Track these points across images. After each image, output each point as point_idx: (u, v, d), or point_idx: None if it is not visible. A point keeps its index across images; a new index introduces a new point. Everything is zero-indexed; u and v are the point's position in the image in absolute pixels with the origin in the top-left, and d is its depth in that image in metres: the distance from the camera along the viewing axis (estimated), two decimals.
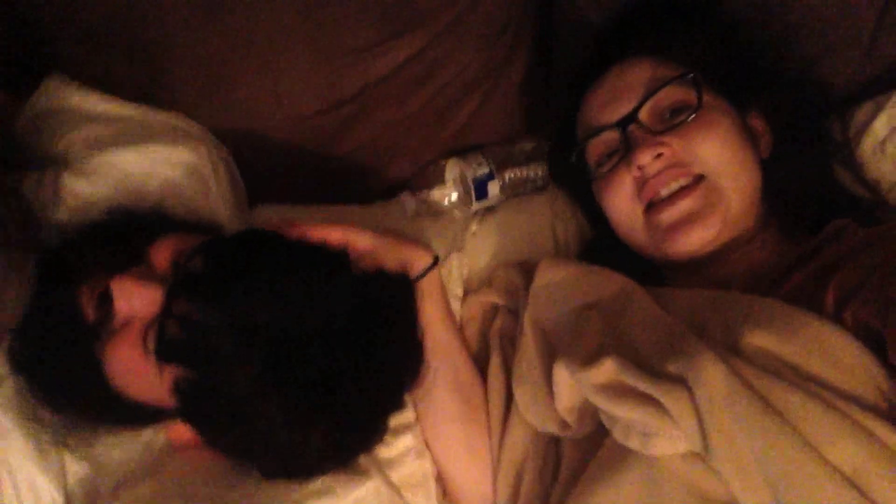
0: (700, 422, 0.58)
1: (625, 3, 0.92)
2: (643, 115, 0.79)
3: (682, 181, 0.77)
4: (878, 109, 0.84)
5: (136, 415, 0.73)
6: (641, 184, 0.79)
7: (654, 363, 0.64)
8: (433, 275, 0.84)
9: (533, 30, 1.02)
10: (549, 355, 0.76)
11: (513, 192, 1.05)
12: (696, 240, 0.76)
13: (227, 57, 0.85)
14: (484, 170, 1.01)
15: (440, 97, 0.98)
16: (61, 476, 0.72)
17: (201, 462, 0.74)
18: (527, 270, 0.89)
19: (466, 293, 0.95)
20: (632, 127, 0.79)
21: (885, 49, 0.85)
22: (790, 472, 0.54)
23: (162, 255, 0.71)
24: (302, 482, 0.70)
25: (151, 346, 0.65)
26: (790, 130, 0.84)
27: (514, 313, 0.89)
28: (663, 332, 0.68)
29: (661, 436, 0.61)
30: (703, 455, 0.59)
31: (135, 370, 0.68)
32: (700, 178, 0.77)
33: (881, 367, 0.60)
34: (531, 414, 0.77)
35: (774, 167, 0.82)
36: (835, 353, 0.61)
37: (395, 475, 0.80)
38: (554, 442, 0.79)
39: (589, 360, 0.67)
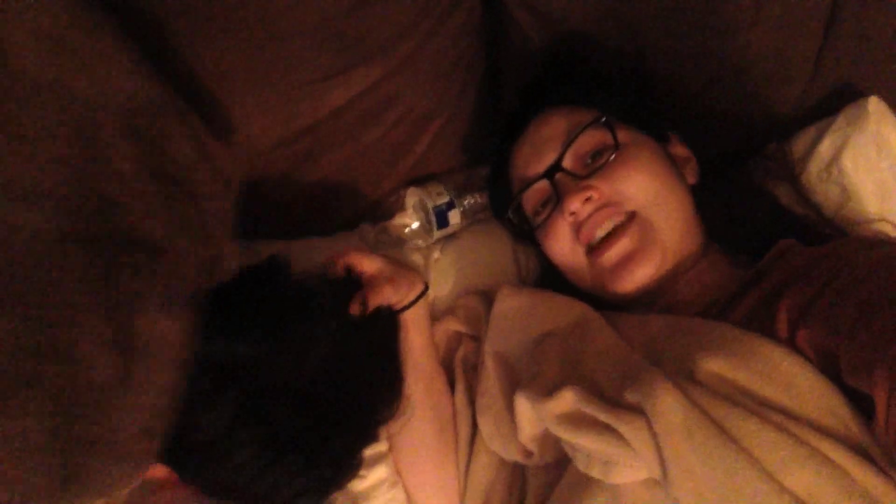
0: (658, 451, 0.59)
1: (566, 31, 0.94)
2: (567, 162, 0.82)
3: (616, 220, 0.79)
4: (822, 134, 0.86)
5: None
6: (577, 228, 0.80)
7: (613, 393, 0.65)
8: (421, 303, 0.85)
9: (485, 60, 1.04)
10: (511, 385, 0.76)
11: (473, 217, 1.06)
12: (639, 277, 0.78)
13: (175, 90, 0.84)
14: (444, 199, 1.01)
15: (397, 129, 0.98)
16: None
17: (178, 499, 0.73)
18: (489, 297, 0.90)
19: (431, 321, 0.95)
20: (558, 175, 0.82)
21: (827, 76, 0.88)
22: (747, 500, 0.55)
23: None
24: None
25: None
26: (712, 155, 0.87)
27: (478, 340, 0.90)
28: (621, 360, 0.69)
29: (621, 465, 0.62)
30: (662, 483, 0.60)
31: None
32: (632, 214, 0.78)
33: (835, 390, 0.61)
34: (495, 443, 0.78)
35: (703, 191, 0.84)
36: (788, 377, 0.62)
37: None
38: (520, 468, 0.79)
39: (549, 390, 0.68)
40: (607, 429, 0.63)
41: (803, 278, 0.69)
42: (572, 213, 0.79)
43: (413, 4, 0.88)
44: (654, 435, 0.60)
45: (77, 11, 0.61)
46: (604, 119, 0.81)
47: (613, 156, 0.79)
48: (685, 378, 0.64)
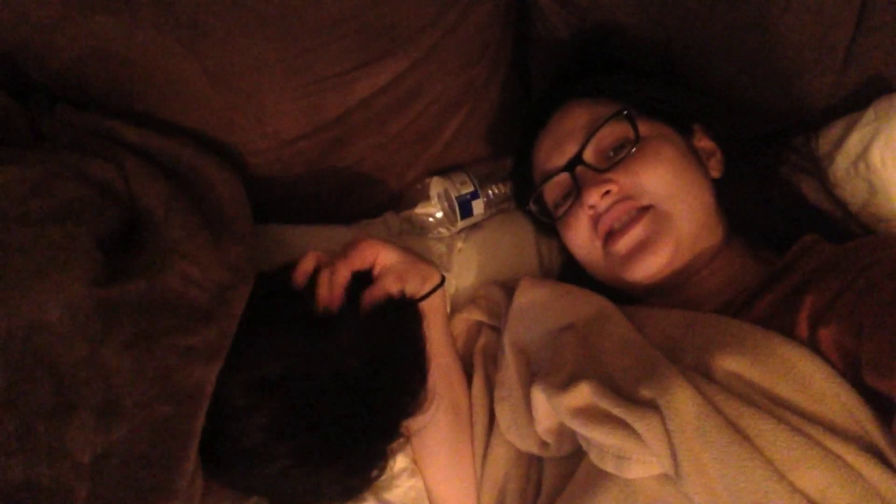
0: (671, 448, 0.60)
1: (594, 22, 0.94)
2: (588, 155, 0.82)
3: (633, 213, 0.79)
4: (851, 128, 0.85)
5: None
6: (596, 220, 0.81)
7: (629, 387, 0.66)
8: (438, 294, 0.85)
9: (511, 49, 1.04)
10: (529, 377, 0.77)
11: (497, 208, 1.06)
12: (651, 265, 0.78)
13: (207, 84, 0.86)
14: (468, 188, 1.02)
15: (422, 118, 0.99)
16: None
17: None
18: (510, 289, 0.91)
19: (453, 311, 0.97)
20: (579, 168, 0.82)
21: (858, 68, 0.86)
22: (758, 499, 0.56)
23: None
24: None
25: None
26: (738, 148, 0.86)
27: (498, 331, 0.91)
28: (638, 356, 0.69)
29: (634, 459, 0.63)
30: (674, 479, 0.61)
31: None
32: (649, 207, 0.79)
33: (852, 391, 0.61)
34: (512, 434, 0.79)
35: (727, 185, 0.84)
36: (805, 377, 0.62)
37: (390, 495, 0.83)
38: (536, 460, 0.80)
39: (565, 383, 0.69)
40: (621, 423, 0.63)
41: (826, 276, 0.69)
42: (591, 207, 0.80)
43: None
44: (667, 431, 0.60)
45: None
46: (625, 112, 0.81)
47: (634, 149, 0.79)
48: (701, 375, 0.65)
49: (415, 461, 0.87)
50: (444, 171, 1.06)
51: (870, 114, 0.84)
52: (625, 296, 0.85)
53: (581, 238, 0.84)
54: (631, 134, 0.80)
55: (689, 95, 0.88)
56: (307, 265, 0.76)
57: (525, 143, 0.94)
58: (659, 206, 0.78)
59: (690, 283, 0.81)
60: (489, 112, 1.06)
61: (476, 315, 0.93)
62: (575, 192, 0.83)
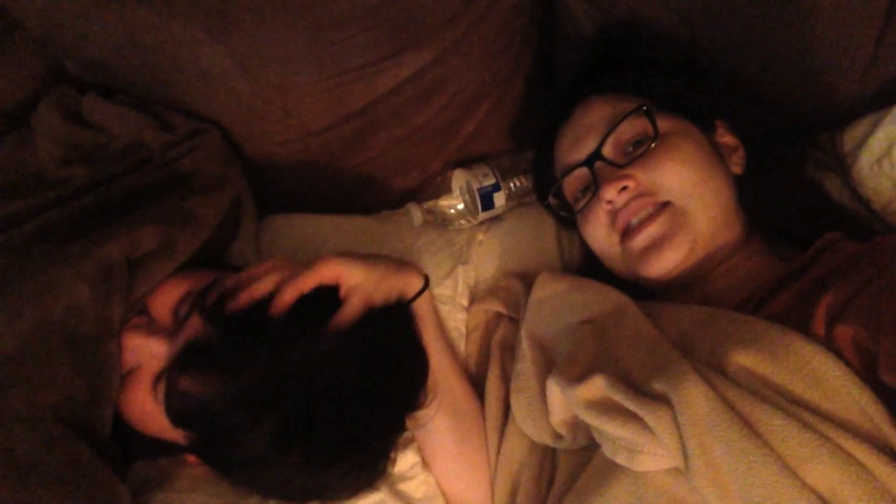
0: (682, 442, 0.60)
1: (618, 16, 0.94)
2: (607, 150, 0.82)
3: (651, 209, 0.79)
4: (876, 125, 0.84)
5: (153, 448, 0.76)
6: (614, 215, 0.81)
7: (642, 382, 0.66)
8: (424, 298, 0.83)
9: (535, 43, 1.04)
10: (546, 369, 0.78)
11: (518, 201, 1.07)
12: (667, 262, 0.78)
13: (235, 74, 0.87)
14: (490, 180, 1.03)
15: (446, 111, 1.00)
16: None
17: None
18: (529, 281, 0.92)
19: (472, 301, 0.98)
20: (598, 163, 0.82)
21: (885, 65, 0.85)
22: (767, 494, 0.56)
23: (161, 303, 0.73)
24: None
25: (161, 398, 0.68)
26: (760, 144, 0.85)
27: (516, 323, 0.91)
28: (652, 350, 0.70)
29: (646, 453, 0.64)
30: (684, 473, 0.61)
31: (148, 413, 0.72)
32: (666, 204, 0.79)
33: (866, 389, 0.61)
34: (527, 425, 0.80)
35: (748, 181, 0.84)
36: (818, 374, 0.62)
37: (404, 487, 0.84)
38: (550, 451, 0.81)
39: (580, 376, 0.69)
40: (634, 417, 0.64)
41: (845, 274, 0.69)
42: (609, 202, 0.80)
43: None
44: (678, 425, 0.61)
45: None
46: (644, 108, 0.81)
47: (653, 145, 0.79)
48: (715, 370, 0.65)
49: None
50: (466, 164, 1.07)
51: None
52: (643, 290, 0.85)
53: (599, 233, 0.85)
54: (650, 130, 0.80)
55: (712, 91, 0.87)
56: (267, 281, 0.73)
57: (547, 136, 0.95)
58: (676, 202, 0.78)
59: (709, 278, 0.81)
60: (512, 105, 1.06)
61: (495, 306, 0.94)
62: (593, 187, 0.83)
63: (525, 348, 0.82)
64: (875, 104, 0.87)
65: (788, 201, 0.85)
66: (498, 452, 0.84)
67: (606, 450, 0.67)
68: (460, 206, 1.04)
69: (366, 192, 1.07)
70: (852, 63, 0.86)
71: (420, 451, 0.87)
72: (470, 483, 0.86)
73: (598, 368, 0.68)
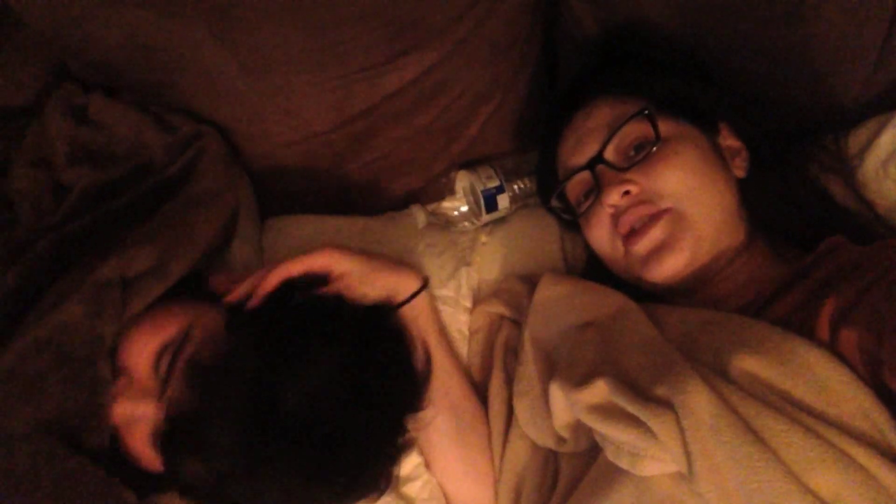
0: (685, 447, 0.60)
1: (621, 16, 0.94)
2: (609, 154, 0.82)
3: (652, 213, 0.79)
4: (882, 128, 0.84)
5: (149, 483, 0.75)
6: (616, 219, 0.81)
7: (645, 385, 0.66)
8: (421, 299, 0.83)
9: (539, 43, 1.04)
10: (548, 372, 0.78)
11: (522, 202, 1.07)
12: (669, 267, 0.78)
13: (237, 74, 0.87)
14: (494, 182, 1.03)
15: (449, 112, 1.00)
16: None
17: None
18: (532, 283, 0.92)
19: (475, 303, 0.98)
20: (600, 167, 0.82)
21: (891, 67, 0.84)
22: (771, 499, 0.56)
23: (138, 363, 0.71)
24: None
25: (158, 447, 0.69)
26: (764, 146, 0.85)
27: (519, 325, 0.91)
28: (655, 354, 0.69)
29: (649, 457, 0.63)
30: (687, 478, 0.61)
31: (149, 457, 0.71)
32: (667, 209, 0.78)
33: (871, 394, 0.61)
34: (530, 428, 0.80)
35: (752, 184, 0.83)
36: (822, 379, 0.62)
37: (408, 489, 0.84)
38: (553, 454, 0.81)
39: (582, 379, 0.69)
40: (637, 421, 0.64)
41: (849, 277, 0.69)
42: (612, 206, 0.80)
43: None
44: (681, 429, 0.60)
45: None
46: (646, 112, 0.80)
47: (654, 149, 0.79)
48: (719, 374, 0.65)
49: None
50: (470, 165, 1.07)
51: None
52: (646, 293, 0.84)
53: (602, 236, 0.85)
54: (652, 133, 0.80)
55: (716, 93, 0.87)
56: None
57: (549, 139, 0.94)
58: (677, 207, 0.78)
59: (712, 281, 0.81)
60: (516, 106, 1.06)
61: (498, 308, 0.94)
62: (596, 191, 0.83)
63: (528, 351, 0.82)
64: (880, 107, 0.87)
65: (792, 204, 0.85)
66: (502, 455, 0.84)
67: (609, 454, 0.67)
68: (464, 208, 1.04)
69: (369, 193, 1.06)
70: (858, 65, 0.86)
71: (422, 453, 0.87)
72: (472, 485, 0.86)
73: (601, 372, 0.68)
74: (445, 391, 0.85)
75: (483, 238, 1.04)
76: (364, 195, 1.06)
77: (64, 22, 0.84)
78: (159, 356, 0.71)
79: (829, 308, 0.67)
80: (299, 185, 1.02)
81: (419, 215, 1.04)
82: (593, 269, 0.95)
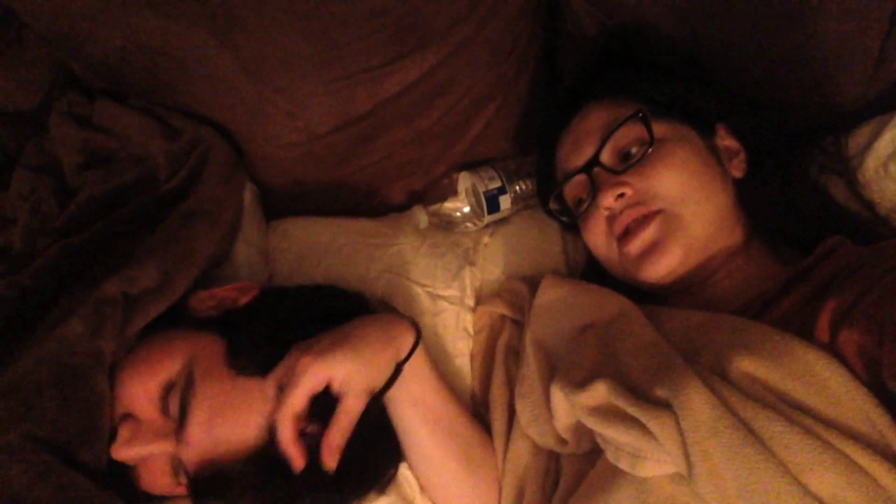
0: (684, 448, 0.60)
1: (620, 18, 0.94)
2: (605, 157, 0.83)
3: (645, 214, 0.79)
4: (882, 128, 0.84)
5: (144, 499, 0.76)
6: (611, 221, 0.82)
7: (645, 387, 0.66)
8: (418, 351, 0.80)
9: (540, 45, 1.04)
10: (550, 373, 0.78)
11: (524, 203, 1.07)
12: (661, 266, 0.78)
13: (239, 76, 0.88)
14: (496, 183, 1.03)
15: (451, 113, 1.00)
16: None
17: None
18: (533, 284, 0.92)
19: (477, 304, 0.98)
20: (596, 170, 0.83)
21: (890, 68, 0.84)
22: (769, 500, 0.57)
23: (143, 405, 0.71)
24: None
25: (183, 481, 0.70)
26: (762, 147, 0.85)
27: (520, 326, 0.92)
28: (655, 355, 0.70)
29: (649, 458, 0.64)
30: (687, 479, 0.61)
31: (168, 486, 0.72)
32: (660, 210, 0.79)
33: (870, 396, 0.61)
34: (532, 430, 0.80)
35: (750, 185, 0.84)
36: (822, 380, 0.62)
37: (412, 490, 0.86)
38: (554, 456, 0.81)
39: (583, 381, 0.69)
40: (636, 422, 0.64)
41: (849, 279, 0.69)
42: (607, 208, 0.81)
43: None
44: (680, 431, 0.61)
45: None
46: (640, 114, 0.81)
47: (649, 151, 0.80)
48: (718, 376, 0.65)
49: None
50: (472, 166, 1.07)
51: None
52: (645, 294, 0.85)
53: (598, 238, 0.85)
54: (647, 135, 0.80)
55: (712, 94, 0.87)
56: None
57: (547, 142, 0.95)
58: (670, 209, 0.78)
59: (709, 282, 0.81)
60: (518, 108, 1.06)
61: (499, 308, 0.95)
62: (592, 194, 0.84)
63: (529, 353, 0.83)
64: (880, 107, 0.87)
65: (791, 204, 0.85)
66: (504, 456, 0.84)
67: (609, 455, 0.67)
68: (466, 209, 1.05)
69: (371, 194, 1.07)
70: (858, 66, 0.86)
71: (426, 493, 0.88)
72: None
73: (601, 374, 0.69)
74: (450, 433, 0.83)
75: (485, 239, 1.04)
76: (366, 196, 1.07)
77: (67, 24, 0.85)
78: (164, 398, 0.70)
79: (828, 309, 0.67)
80: (301, 186, 1.02)
81: (421, 216, 1.04)
82: (592, 271, 0.96)
